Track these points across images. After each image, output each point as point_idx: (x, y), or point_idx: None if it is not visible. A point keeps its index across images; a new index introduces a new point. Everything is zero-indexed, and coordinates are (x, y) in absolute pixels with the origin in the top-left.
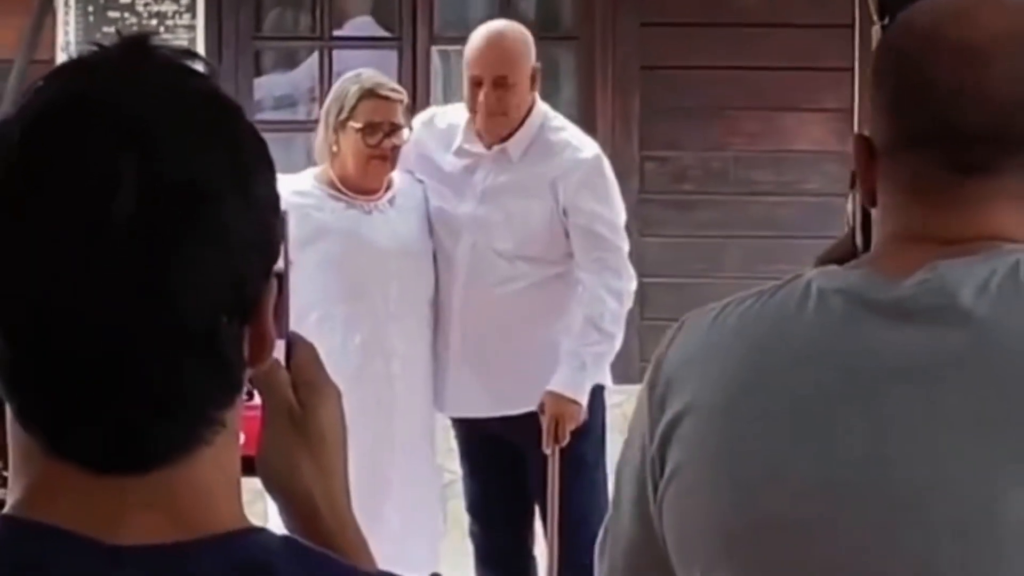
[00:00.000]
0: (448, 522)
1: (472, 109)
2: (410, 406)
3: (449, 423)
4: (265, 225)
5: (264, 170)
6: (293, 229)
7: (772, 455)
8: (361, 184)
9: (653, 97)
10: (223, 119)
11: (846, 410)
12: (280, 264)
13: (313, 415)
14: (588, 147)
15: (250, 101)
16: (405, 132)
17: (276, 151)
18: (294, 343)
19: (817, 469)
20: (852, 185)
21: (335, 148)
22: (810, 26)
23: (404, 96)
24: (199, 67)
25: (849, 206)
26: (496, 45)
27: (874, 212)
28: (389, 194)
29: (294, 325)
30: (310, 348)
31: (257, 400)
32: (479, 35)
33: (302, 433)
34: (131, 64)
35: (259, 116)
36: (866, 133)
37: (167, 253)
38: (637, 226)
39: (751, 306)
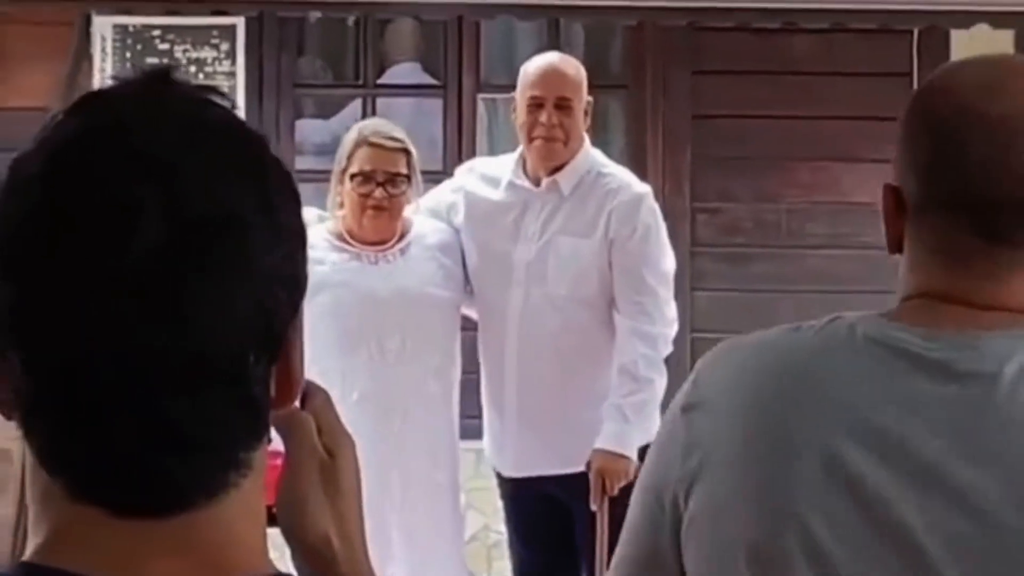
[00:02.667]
0: None
1: (529, 136)
2: (412, 465)
3: (495, 481)
4: (292, 258)
5: (289, 201)
6: None
7: (807, 486)
8: (362, 235)
9: (705, 147)
10: (247, 150)
11: (880, 448)
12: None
13: (338, 464)
14: (638, 184)
15: (291, 148)
16: (405, 182)
17: (317, 199)
18: (309, 388)
19: (847, 500)
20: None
21: (339, 199)
22: (867, 74)
23: (404, 145)
24: (221, 101)
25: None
26: (558, 68)
27: (900, 266)
28: (402, 243)
29: None
30: (325, 394)
31: (273, 446)
32: (539, 59)
33: (327, 481)
34: (153, 96)
35: (299, 164)
36: (895, 183)
37: (192, 286)
38: (688, 279)
39: (794, 340)
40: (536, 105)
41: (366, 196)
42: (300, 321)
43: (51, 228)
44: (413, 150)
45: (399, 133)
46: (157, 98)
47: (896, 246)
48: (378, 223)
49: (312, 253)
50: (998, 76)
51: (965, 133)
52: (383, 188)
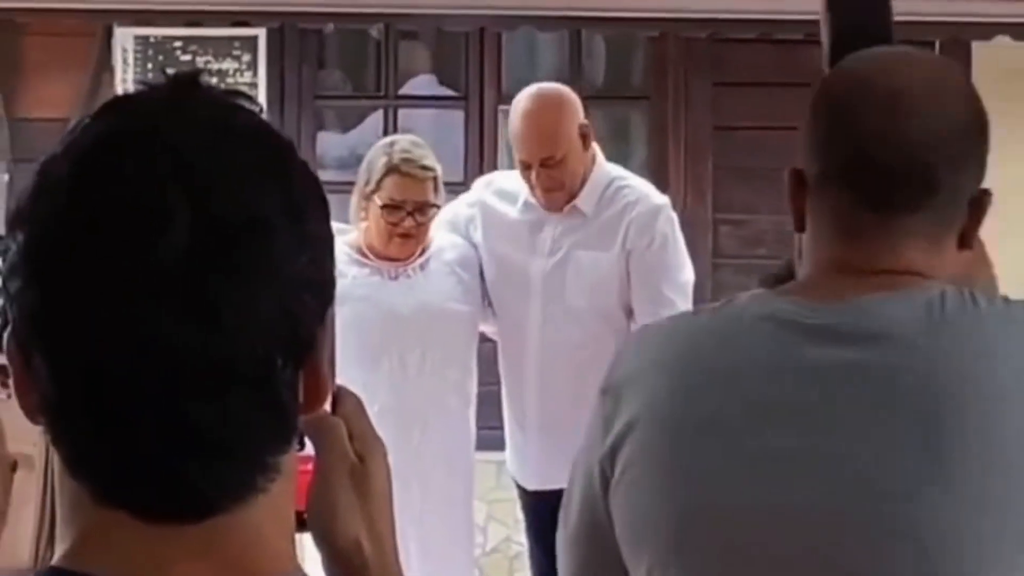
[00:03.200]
0: None
1: (528, 186)
2: (431, 476)
3: (516, 493)
4: (319, 263)
5: (317, 207)
6: None
7: (716, 455)
8: (386, 254)
9: (726, 159)
10: (275, 154)
11: (773, 414)
12: (332, 310)
13: (369, 468)
14: (656, 196)
15: (312, 160)
16: (433, 210)
17: (339, 210)
18: (340, 394)
19: (757, 467)
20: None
21: (363, 215)
22: None
23: (435, 171)
24: (249, 106)
25: (797, 235)
26: (534, 127)
27: (804, 239)
28: (422, 258)
29: None
30: (357, 400)
31: (306, 451)
32: (517, 115)
33: (358, 485)
34: (180, 100)
35: (321, 175)
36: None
37: (218, 289)
38: (710, 291)
39: (695, 324)
40: (525, 166)
41: (395, 225)
42: (330, 326)
43: (77, 231)
44: (440, 173)
45: (429, 159)
46: (184, 102)
47: (800, 225)
48: (404, 248)
49: None
50: (894, 58)
51: (859, 106)
52: (412, 217)
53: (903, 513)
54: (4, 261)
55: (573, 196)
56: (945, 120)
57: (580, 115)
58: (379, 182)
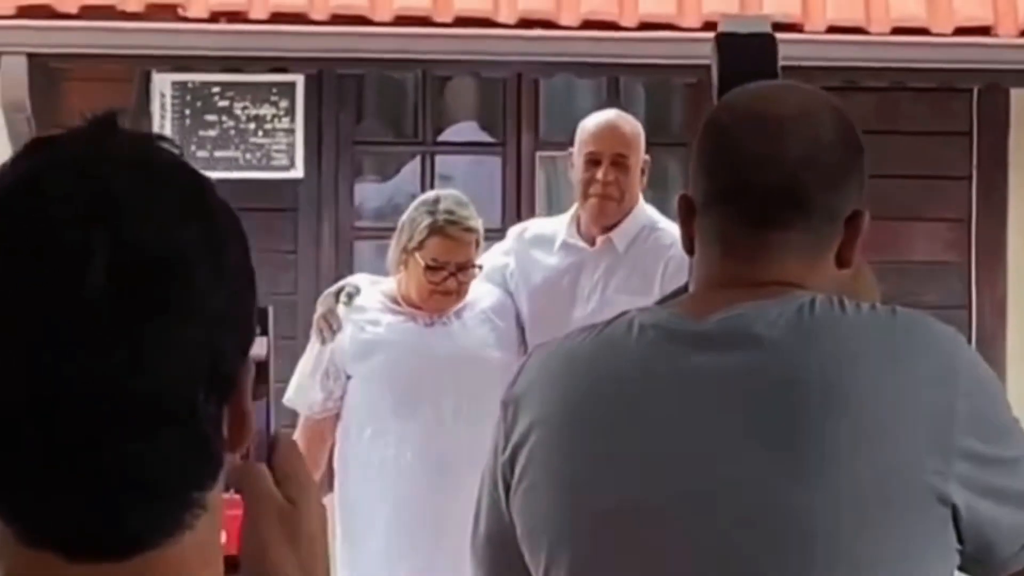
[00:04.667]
0: None
1: (585, 193)
2: (466, 524)
3: None
4: (239, 299)
5: (237, 243)
6: (348, 343)
7: (599, 458)
8: (424, 308)
9: None
10: (193, 191)
11: (656, 418)
12: (262, 353)
13: (300, 511)
14: None
15: (350, 206)
16: (474, 269)
17: (377, 258)
18: (277, 438)
19: (633, 467)
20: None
21: (403, 268)
22: (927, 133)
23: (478, 233)
24: (167, 146)
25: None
26: (616, 125)
27: (693, 260)
28: (457, 306)
29: (353, 439)
30: (293, 443)
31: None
32: (597, 116)
33: (289, 528)
34: (100, 139)
35: (358, 222)
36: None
37: (141, 326)
38: None
39: (585, 338)
40: (593, 161)
41: (436, 283)
42: (250, 361)
43: None
44: (482, 232)
45: (472, 219)
46: (104, 141)
47: (690, 247)
48: (444, 304)
49: (366, 315)
50: (772, 89)
51: (738, 131)
52: (454, 277)
53: (774, 505)
54: None
55: (616, 224)
56: (818, 143)
57: (644, 148)
58: (422, 242)
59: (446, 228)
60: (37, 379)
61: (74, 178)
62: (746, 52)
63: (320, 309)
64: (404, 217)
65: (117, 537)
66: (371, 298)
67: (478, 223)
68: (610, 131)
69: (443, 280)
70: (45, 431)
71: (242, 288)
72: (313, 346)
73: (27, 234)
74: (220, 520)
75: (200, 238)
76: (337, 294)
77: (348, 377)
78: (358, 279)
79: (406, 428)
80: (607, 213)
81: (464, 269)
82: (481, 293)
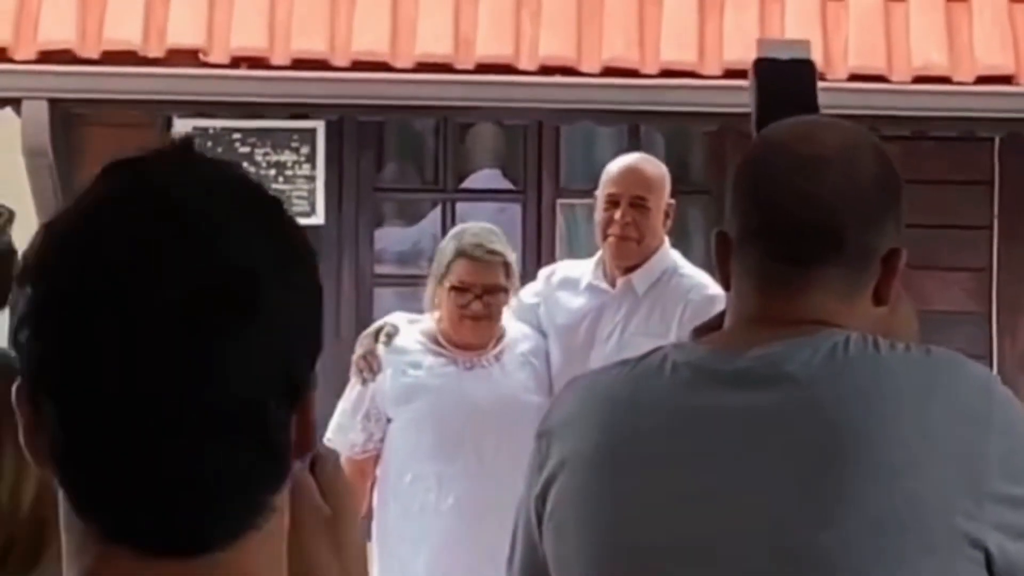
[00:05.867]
0: None
1: (604, 234)
2: (501, 570)
3: None
4: (309, 312)
5: (308, 258)
6: (390, 386)
7: (630, 494)
8: (459, 341)
9: None
10: (268, 209)
11: (687, 456)
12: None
13: (342, 521)
14: (713, 286)
15: (370, 252)
16: (503, 294)
17: (397, 305)
18: (319, 453)
19: (665, 505)
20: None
21: (437, 302)
22: (948, 182)
23: (504, 256)
24: (240, 170)
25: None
26: (637, 167)
27: (729, 296)
28: (497, 348)
29: (392, 483)
30: (336, 457)
31: None
32: (621, 158)
33: (332, 537)
34: (179, 159)
35: (379, 269)
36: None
37: (216, 337)
38: None
39: (619, 374)
40: (612, 202)
41: (464, 307)
42: (316, 372)
43: (84, 285)
44: (511, 259)
45: (498, 244)
46: (183, 161)
47: (727, 285)
48: (476, 331)
49: (407, 357)
50: (810, 125)
51: (776, 169)
52: (480, 300)
53: (806, 542)
54: (13, 314)
55: (637, 266)
56: (856, 181)
57: (669, 192)
58: (448, 266)
59: (469, 251)
60: (120, 386)
61: (154, 195)
62: (786, 79)
63: (359, 350)
64: (437, 252)
65: (193, 535)
66: (410, 338)
67: (505, 248)
68: (630, 173)
69: (469, 303)
70: (125, 435)
71: (311, 302)
72: (354, 387)
73: (113, 252)
74: (285, 523)
75: (273, 253)
76: (376, 334)
77: (388, 420)
78: (396, 318)
79: (447, 473)
80: (625, 254)
81: (491, 293)
82: (519, 335)
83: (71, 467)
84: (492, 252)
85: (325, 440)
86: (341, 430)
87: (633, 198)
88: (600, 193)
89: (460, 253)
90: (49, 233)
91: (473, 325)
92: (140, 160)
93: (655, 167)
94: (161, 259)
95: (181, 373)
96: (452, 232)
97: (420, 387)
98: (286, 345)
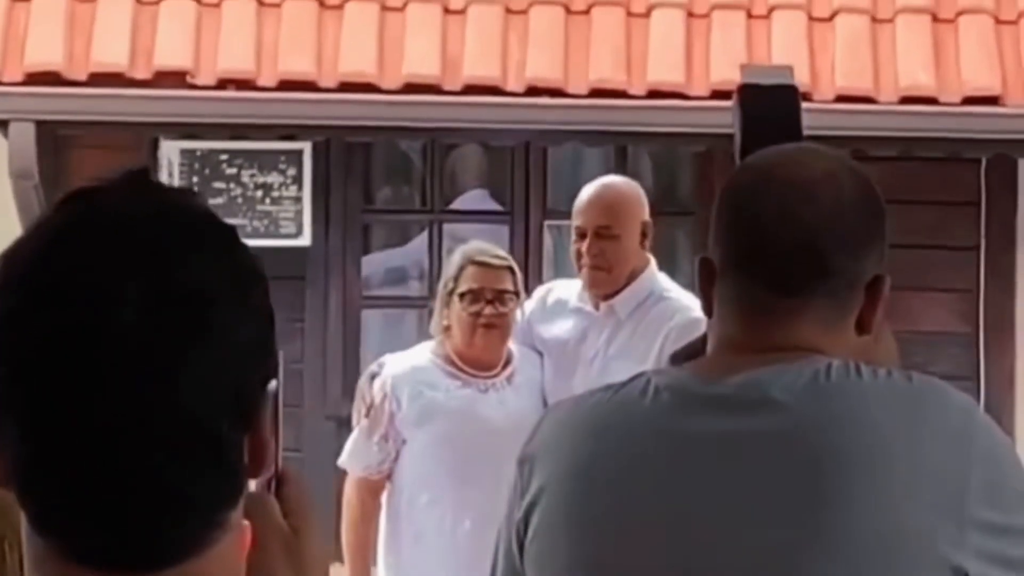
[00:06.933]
0: None
1: (577, 264)
2: None
3: None
4: (261, 335)
5: (259, 284)
6: (406, 407)
7: (611, 519)
8: (473, 355)
9: None
10: (220, 234)
11: (669, 480)
12: (273, 384)
13: (303, 540)
14: (696, 309)
15: (357, 274)
16: (513, 300)
17: (386, 327)
18: (285, 472)
19: (646, 529)
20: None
21: (446, 322)
22: (936, 203)
23: (510, 262)
24: (194, 197)
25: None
26: (601, 196)
27: (711, 322)
28: (508, 371)
29: (405, 506)
30: (300, 477)
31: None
32: (588, 187)
33: (293, 556)
34: (133, 187)
35: (366, 291)
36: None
37: (172, 359)
38: None
39: (600, 399)
40: (580, 234)
41: (476, 315)
42: (268, 393)
43: (41, 311)
44: (517, 268)
45: (502, 251)
46: (137, 189)
47: (709, 309)
48: (489, 340)
49: (421, 377)
50: (794, 152)
51: (759, 195)
52: (492, 305)
53: (788, 567)
54: None
55: (616, 292)
56: (840, 209)
57: (645, 211)
58: (456, 277)
59: (476, 257)
60: (78, 408)
61: (108, 228)
62: (769, 104)
63: (357, 396)
64: (441, 277)
65: (148, 553)
66: (423, 358)
67: (510, 259)
68: (590, 204)
69: (482, 309)
70: (86, 456)
71: (264, 326)
72: (360, 421)
73: (68, 279)
74: (240, 540)
75: (226, 278)
76: (370, 378)
77: (404, 441)
78: (387, 359)
79: (464, 496)
80: (597, 283)
81: (501, 298)
82: (524, 358)
83: (31, 486)
84: (499, 257)
85: (340, 462)
86: (356, 451)
87: (598, 228)
88: (572, 223)
89: (468, 261)
90: (5, 260)
91: (486, 333)
92: (95, 188)
93: (623, 190)
94: (115, 284)
95: (136, 395)
96: (455, 250)
97: (437, 409)
98: (239, 367)
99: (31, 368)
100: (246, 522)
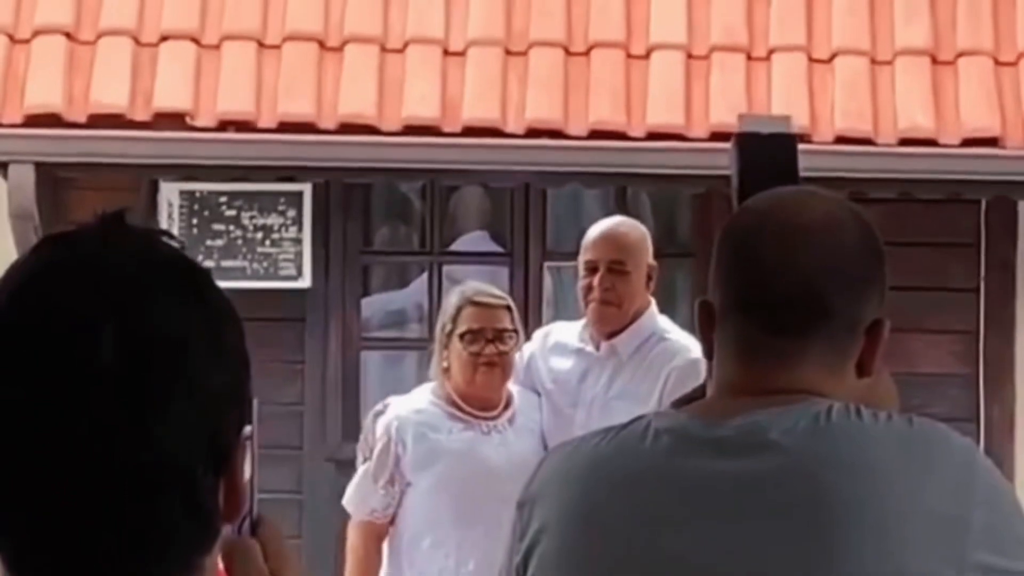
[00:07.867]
0: None
1: (585, 299)
2: None
3: None
4: (235, 379)
5: (233, 328)
6: (411, 450)
7: (610, 562)
8: (474, 394)
9: None
10: (195, 278)
11: (668, 523)
12: (248, 430)
13: None
14: (697, 351)
15: (357, 315)
16: (513, 338)
17: (385, 369)
18: (262, 517)
19: (647, 569)
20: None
21: (445, 364)
22: (935, 244)
23: (507, 301)
24: (169, 241)
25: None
26: (613, 232)
27: (712, 365)
28: (509, 412)
29: (407, 548)
30: (276, 523)
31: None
32: (600, 224)
33: None
34: (106, 235)
35: (366, 332)
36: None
37: (145, 402)
38: None
39: (600, 441)
40: (591, 269)
41: (477, 355)
42: (243, 438)
43: (14, 353)
44: (514, 305)
45: (498, 291)
46: (111, 234)
47: (709, 353)
48: (490, 379)
49: (424, 419)
50: (793, 195)
51: (759, 239)
52: (493, 344)
53: None
54: None
55: (618, 331)
56: (840, 251)
57: (651, 254)
58: (455, 318)
59: (474, 298)
60: (51, 449)
61: (84, 271)
62: (767, 152)
63: (362, 435)
64: (439, 319)
65: None
66: (424, 400)
67: (507, 298)
68: (606, 238)
69: (482, 348)
70: (60, 497)
71: (238, 369)
72: (364, 460)
73: (42, 323)
74: None
75: (201, 322)
76: (375, 417)
77: (408, 484)
78: (390, 400)
79: (467, 538)
80: (606, 319)
81: (501, 337)
82: (524, 400)
83: (4, 527)
84: (496, 296)
85: (344, 503)
86: (362, 494)
87: (611, 263)
88: (580, 259)
89: (466, 301)
90: None
91: (487, 372)
92: (71, 233)
93: (633, 230)
94: (87, 331)
95: (111, 439)
96: (449, 293)
97: (441, 451)
98: (213, 411)
99: (6, 407)
100: (221, 566)
